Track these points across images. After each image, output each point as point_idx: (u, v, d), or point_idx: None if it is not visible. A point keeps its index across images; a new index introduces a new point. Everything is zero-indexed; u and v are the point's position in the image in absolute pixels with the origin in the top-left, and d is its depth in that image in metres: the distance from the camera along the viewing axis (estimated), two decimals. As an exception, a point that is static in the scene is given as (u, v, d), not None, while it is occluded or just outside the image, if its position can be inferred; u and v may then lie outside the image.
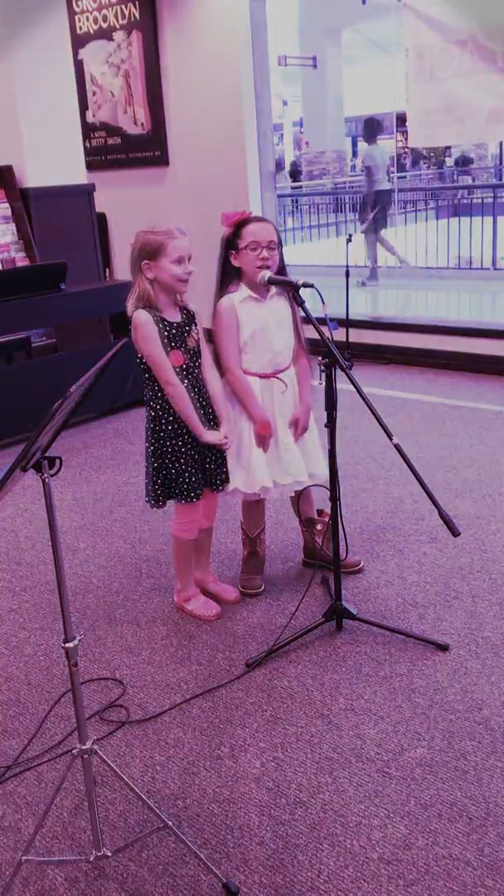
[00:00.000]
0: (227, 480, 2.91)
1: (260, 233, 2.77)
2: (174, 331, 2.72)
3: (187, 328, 2.77)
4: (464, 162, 15.36)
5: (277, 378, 2.91)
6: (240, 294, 2.85)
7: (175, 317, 2.75)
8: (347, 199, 12.23)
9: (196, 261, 2.71)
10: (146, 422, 2.80)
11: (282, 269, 2.85)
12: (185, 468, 2.78)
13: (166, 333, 2.70)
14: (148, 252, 2.64)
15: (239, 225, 2.80)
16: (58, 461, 1.71)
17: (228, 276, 2.86)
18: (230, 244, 2.82)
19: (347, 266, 6.24)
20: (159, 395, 2.75)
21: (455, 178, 15.08)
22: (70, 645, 1.78)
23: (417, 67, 6.18)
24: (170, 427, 2.76)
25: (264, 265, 2.77)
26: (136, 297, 2.69)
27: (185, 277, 2.68)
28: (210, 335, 2.89)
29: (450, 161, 16.45)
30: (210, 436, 2.78)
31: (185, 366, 2.75)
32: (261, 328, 2.86)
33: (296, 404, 2.96)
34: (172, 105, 6.94)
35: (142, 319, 2.67)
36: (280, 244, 2.83)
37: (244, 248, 2.78)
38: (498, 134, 7.39)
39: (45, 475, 1.69)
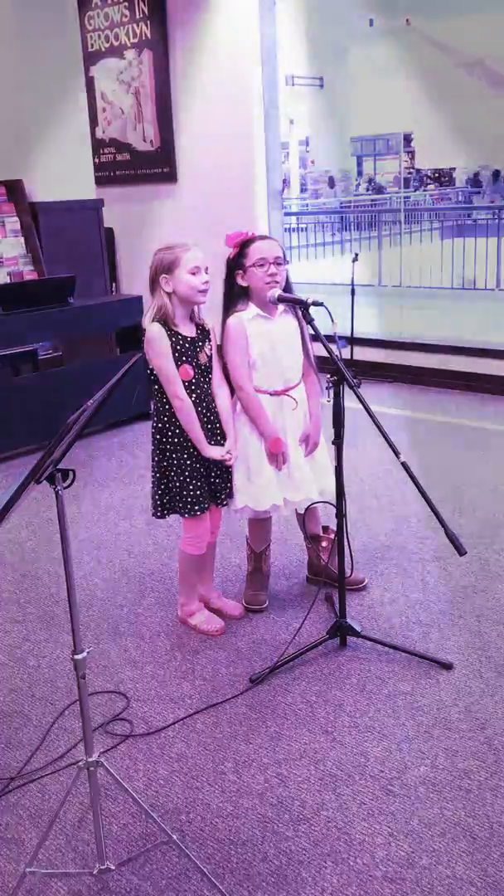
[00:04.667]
0: (231, 496, 2.93)
1: (266, 249, 2.80)
2: (187, 345, 2.76)
3: (200, 343, 2.81)
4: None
5: (288, 395, 2.93)
6: (248, 312, 2.87)
7: (190, 332, 2.79)
8: (353, 217, 12.32)
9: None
10: (152, 433, 2.83)
11: (288, 286, 2.88)
12: (189, 481, 2.80)
13: (178, 347, 2.74)
14: (164, 266, 2.70)
15: (243, 244, 2.83)
16: (71, 473, 1.73)
17: (235, 296, 2.89)
18: (236, 264, 2.85)
19: (353, 284, 6.28)
20: (166, 407, 2.78)
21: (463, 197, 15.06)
22: (79, 656, 1.79)
23: (424, 89, 6.26)
24: (176, 440, 2.79)
25: (273, 281, 2.79)
26: (153, 310, 2.75)
27: (202, 288, 2.73)
28: (220, 353, 2.92)
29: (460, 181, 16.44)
30: (213, 451, 2.81)
31: (193, 380, 2.78)
32: (270, 346, 2.87)
33: (306, 421, 2.97)
34: (181, 123, 7.00)
35: (154, 333, 2.72)
36: (286, 260, 2.86)
37: (251, 266, 2.80)
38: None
39: (59, 487, 1.70)
